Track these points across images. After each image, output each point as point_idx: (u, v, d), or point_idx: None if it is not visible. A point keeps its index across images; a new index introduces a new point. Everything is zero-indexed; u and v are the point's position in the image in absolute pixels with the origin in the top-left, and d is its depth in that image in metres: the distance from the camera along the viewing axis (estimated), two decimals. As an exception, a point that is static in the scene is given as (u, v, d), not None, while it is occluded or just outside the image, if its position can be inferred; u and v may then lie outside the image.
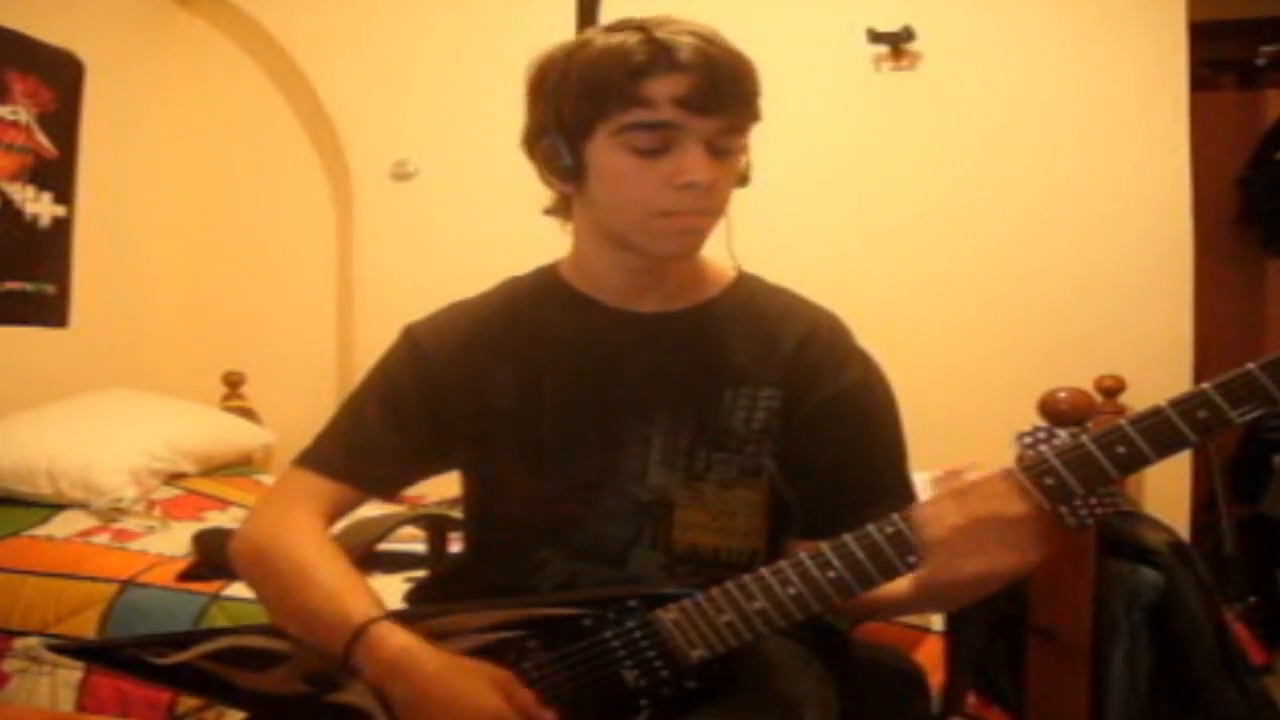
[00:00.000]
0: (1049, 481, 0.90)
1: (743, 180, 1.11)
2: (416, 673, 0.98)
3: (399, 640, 1.00)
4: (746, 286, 1.18)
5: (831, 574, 0.94)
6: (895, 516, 0.94)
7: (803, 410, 1.11)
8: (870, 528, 0.94)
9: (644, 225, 1.06)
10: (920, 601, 1.03)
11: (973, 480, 0.91)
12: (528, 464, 1.13)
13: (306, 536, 1.10)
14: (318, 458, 1.17)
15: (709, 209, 1.07)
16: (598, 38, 1.05)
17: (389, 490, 1.23)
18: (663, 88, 1.01)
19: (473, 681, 0.97)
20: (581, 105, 1.04)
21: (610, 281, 1.14)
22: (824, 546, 0.95)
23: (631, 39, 1.02)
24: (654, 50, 1.01)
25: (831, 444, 1.11)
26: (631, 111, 1.01)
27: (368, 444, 1.16)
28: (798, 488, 1.11)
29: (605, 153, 1.04)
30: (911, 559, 0.93)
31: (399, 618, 1.05)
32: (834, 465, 1.11)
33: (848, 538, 0.94)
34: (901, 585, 0.98)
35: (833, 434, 1.11)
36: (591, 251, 1.14)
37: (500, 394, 1.14)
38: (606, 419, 1.12)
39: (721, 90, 1.02)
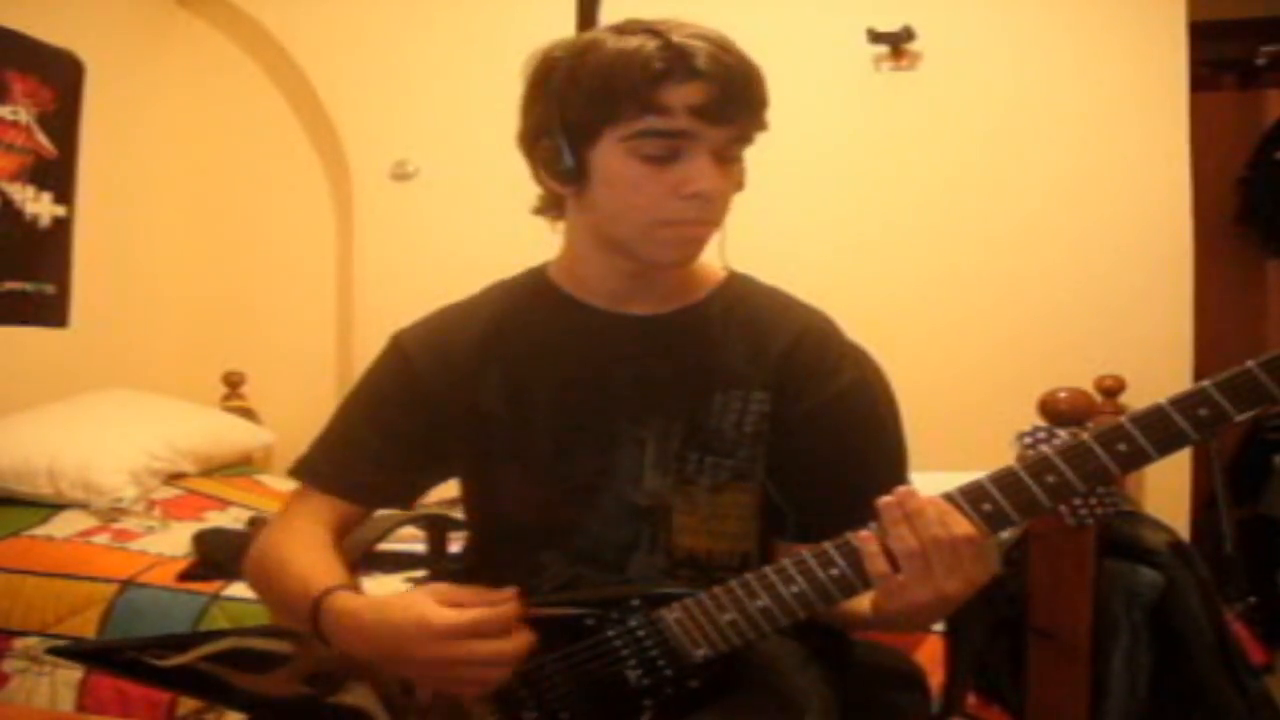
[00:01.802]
0: (1050, 479, 0.89)
1: (738, 186, 1.11)
2: (361, 627, 0.98)
3: (342, 604, 1.00)
4: (737, 287, 1.18)
5: (834, 571, 0.94)
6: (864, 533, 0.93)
7: (796, 414, 1.11)
8: (873, 526, 0.94)
9: (647, 233, 1.05)
10: (878, 624, 1.03)
11: (913, 506, 0.90)
12: (522, 468, 1.13)
13: (295, 536, 1.12)
14: (311, 473, 1.18)
15: (712, 219, 1.06)
16: (609, 40, 1.02)
17: (388, 501, 1.23)
18: (680, 95, 0.99)
19: (412, 610, 0.96)
20: (590, 108, 1.02)
21: (602, 285, 1.14)
22: (827, 544, 0.95)
23: (648, 44, 1.00)
24: (672, 57, 0.99)
25: (829, 447, 1.11)
26: (646, 118, 1.00)
27: (360, 457, 1.16)
28: (792, 490, 1.11)
29: (612, 158, 1.03)
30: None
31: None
32: (832, 468, 1.11)
33: (850, 536, 0.94)
34: (862, 605, 0.98)
35: (830, 437, 1.11)
36: (584, 254, 1.14)
37: (491, 399, 1.14)
38: (599, 422, 1.11)
39: (736, 100, 1.01)
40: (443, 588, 0.99)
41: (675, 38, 1.00)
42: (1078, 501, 1.54)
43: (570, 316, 1.15)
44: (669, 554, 1.10)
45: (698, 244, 1.08)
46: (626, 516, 1.10)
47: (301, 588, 1.03)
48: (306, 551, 1.09)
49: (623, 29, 1.04)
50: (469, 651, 0.95)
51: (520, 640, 0.96)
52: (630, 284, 1.13)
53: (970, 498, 0.91)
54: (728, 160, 1.04)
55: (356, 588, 1.04)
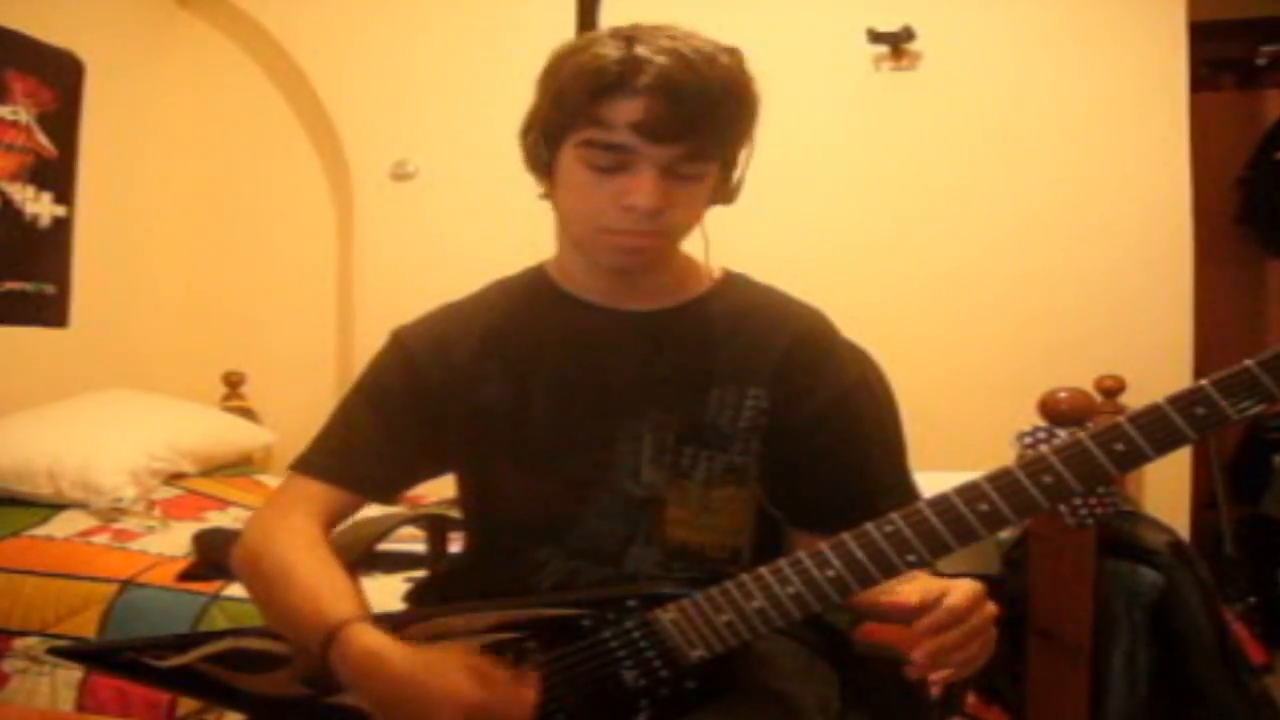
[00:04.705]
0: (1047, 480, 0.89)
1: (726, 199, 1.12)
2: (385, 674, 0.95)
3: (367, 641, 0.97)
4: (733, 285, 1.19)
5: (830, 573, 0.94)
6: (894, 515, 0.94)
7: (801, 414, 1.12)
8: (869, 526, 0.94)
9: (590, 238, 1.09)
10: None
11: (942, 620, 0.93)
12: (522, 464, 1.14)
13: (294, 538, 1.10)
14: (311, 463, 1.17)
15: (654, 231, 1.07)
16: (591, 45, 1.05)
17: (384, 494, 1.22)
18: (620, 111, 1.01)
19: (446, 677, 0.94)
20: (555, 112, 1.06)
21: (591, 282, 1.16)
22: (823, 545, 0.95)
23: (612, 53, 1.02)
24: (622, 70, 1.01)
25: (834, 446, 1.12)
26: (590, 129, 1.03)
27: (360, 448, 1.16)
28: (793, 488, 1.12)
29: (568, 162, 1.06)
30: (911, 557, 0.93)
31: (397, 618, 1.05)
32: (837, 466, 1.12)
33: (846, 536, 0.94)
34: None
35: (836, 436, 1.12)
36: (569, 252, 1.16)
37: (491, 395, 1.15)
38: (598, 417, 1.12)
39: (681, 119, 1.01)
40: (475, 661, 0.97)
41: (640, 50, 1.01)
42: (1078, 502, 1.55)
43: (568, 313, 1.16)
44: (663, 546, 1.10)
45: (638, 254, 1.09)
46: (623, 510, 1.11)
47: (312, 606, 1.01)
48: (313, 562, 1.07)
49: (614, 33, 1.05)
50: None
51: None
52: (613, 282, 1.15)
53: (966, 498, 0.91)
54: (681, 176, 1.04)
55: (369, 615, 1.02)
